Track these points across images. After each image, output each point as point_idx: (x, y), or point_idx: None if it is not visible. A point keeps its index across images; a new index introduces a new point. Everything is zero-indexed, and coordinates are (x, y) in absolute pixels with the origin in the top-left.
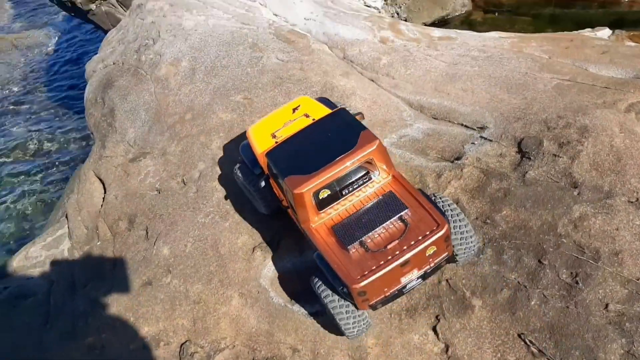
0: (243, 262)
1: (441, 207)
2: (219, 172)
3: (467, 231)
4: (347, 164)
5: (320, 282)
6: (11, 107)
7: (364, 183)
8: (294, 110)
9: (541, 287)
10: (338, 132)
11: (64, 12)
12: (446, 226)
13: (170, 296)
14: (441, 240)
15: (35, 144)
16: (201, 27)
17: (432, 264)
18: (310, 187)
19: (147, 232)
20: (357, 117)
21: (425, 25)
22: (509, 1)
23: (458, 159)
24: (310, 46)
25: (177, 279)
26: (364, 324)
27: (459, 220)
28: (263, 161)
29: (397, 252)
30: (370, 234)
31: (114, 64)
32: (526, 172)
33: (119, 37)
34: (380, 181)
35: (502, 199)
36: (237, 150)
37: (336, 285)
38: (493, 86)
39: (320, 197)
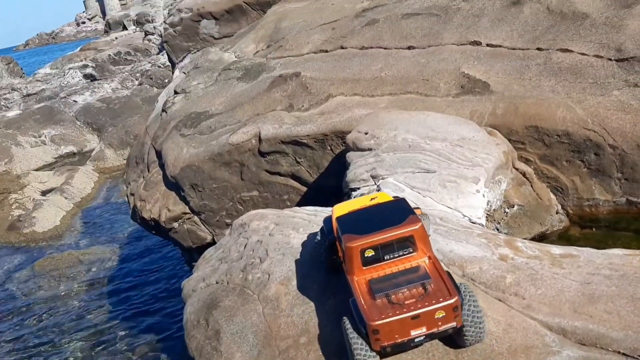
0: None
1: (461, 290)
2: None
3: (478, 316)
4: (390, 234)
5: (349, 323)
6: (70, 322)
7: (403, 255)
8: (372, 199)
9: None
10: (393, 212)
11: (129, 230)
12: (456, 297)
13: None
14: (449, 308)
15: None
16: (309, 245)
17: (440, 328)
18: (358, 243)
19: None
20: (416, 210)
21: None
22: (606, 216)
23: None
24: None
25: None
26: None
27: (473, 305)
28: (335, 227)
29: (412, 308)
30: (395, 290)
31: (217, 283)
32: None
33: (219, 255)
34: (417, 257)
35: None
36: None
37: (360, 324)
38: None
39: (366, 255)
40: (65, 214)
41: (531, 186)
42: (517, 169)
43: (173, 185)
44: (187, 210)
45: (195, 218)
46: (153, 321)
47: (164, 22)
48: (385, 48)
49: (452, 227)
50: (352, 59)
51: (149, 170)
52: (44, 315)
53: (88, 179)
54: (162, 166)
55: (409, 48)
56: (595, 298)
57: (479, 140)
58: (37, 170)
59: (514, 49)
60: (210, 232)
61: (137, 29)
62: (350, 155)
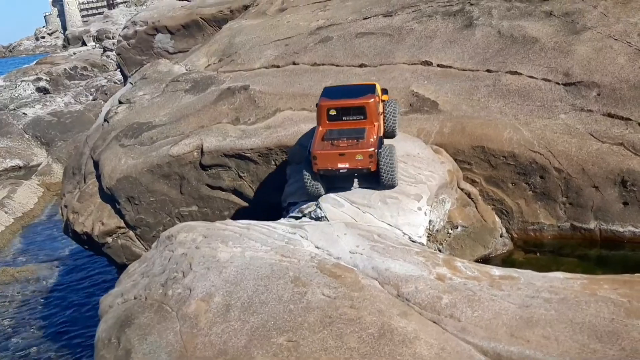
0: None
1: (383, 149)
2: None
3: (391, 166)
4: (347, 102)
5: (305, 170)
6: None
7: (357, 119)
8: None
9: None
10: (361, 90)
11: (70, 248)
12: (373, 149)
13: None
14: (366, 155)
15: None
16: (237, 260)
17: (358, 166)
18: (325, 104)
19: None
20: (384, 96)
21: None
22: (550, 241)
23: None
24: (359, 281)
25: None
26: (316, 188)
27: (389, 159)
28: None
29: (341, 148)
30: (339, 138)
31: (135, 298)
32: None
33: (143, 269)
34: (365, 123)
35: None
36: None
37: (309, 156)
38: (579, 334)
39: (330, 113)
40: (4, 229)
41: (476, 207)
42: (462, 189)
43: (108, 197)
44: (122, 225)
45: (131, 233)
46: (82, 340)
47: (119, 34)
48: (337, 65)
49: (390, 244)
50: (302, 75)
51: (85, 182)
52: None
53: (32, 194)
54: (98, 177)
55: (361, 66)
56: (534, 322)
57: (423, 157)
58: None
59: (464, 70)
60: (146, 249)
61: (97, 45)
62: (292, 168)
